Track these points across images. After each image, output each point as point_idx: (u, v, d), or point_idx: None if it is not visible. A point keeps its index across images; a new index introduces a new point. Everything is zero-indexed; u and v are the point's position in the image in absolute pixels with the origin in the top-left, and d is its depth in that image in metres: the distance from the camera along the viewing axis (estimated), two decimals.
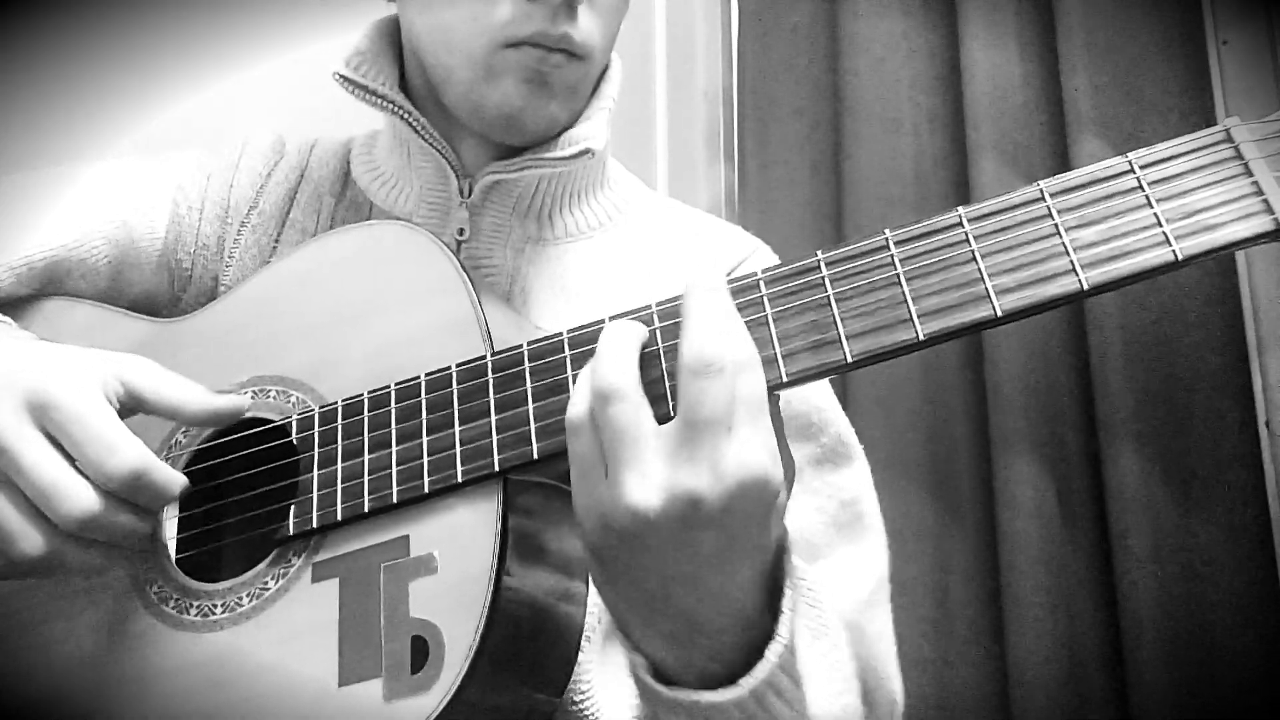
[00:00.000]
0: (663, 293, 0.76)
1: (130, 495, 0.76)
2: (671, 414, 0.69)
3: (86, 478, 0.75)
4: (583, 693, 0.91)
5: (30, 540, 0.75)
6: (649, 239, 1.10)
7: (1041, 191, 0.67)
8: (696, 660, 0.72)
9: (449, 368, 0.79)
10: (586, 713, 0.91)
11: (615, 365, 0.68)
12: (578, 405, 0.69)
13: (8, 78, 1.44)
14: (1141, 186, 0.66)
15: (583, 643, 0.90)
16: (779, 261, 1.13)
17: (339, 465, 0.80)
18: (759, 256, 1.12)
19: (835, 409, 1.06)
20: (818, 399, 1.04)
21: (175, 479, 0.78)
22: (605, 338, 0.70)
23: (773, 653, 0.71)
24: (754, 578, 0.70)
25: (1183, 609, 1.46)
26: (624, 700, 0.94)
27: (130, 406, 0.80)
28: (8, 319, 0.96)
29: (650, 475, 0.65)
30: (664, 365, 0.71)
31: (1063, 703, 1.50)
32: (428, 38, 1.00)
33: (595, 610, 0.91)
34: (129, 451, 0.75)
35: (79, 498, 0.74)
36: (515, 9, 0.94)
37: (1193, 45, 1.67)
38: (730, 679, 0.71)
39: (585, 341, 0.75)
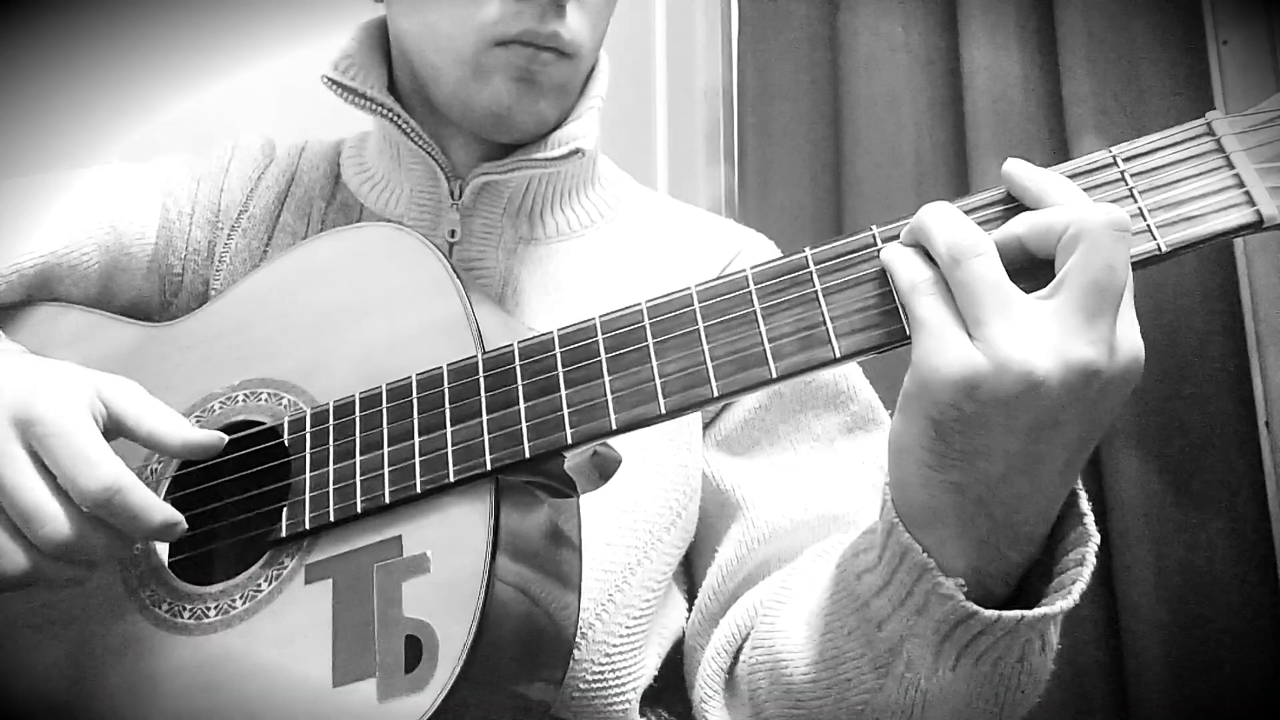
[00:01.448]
0: (654, 289, 0.76)
1: (106, 514, 0.75)
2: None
3: (68, 497, 0.75)
4: (582, 690, 0.91)
5: (10, 559, 0.75)
6: (640, 236, 1.10)
7: None
8: (991, 578, 0.69)
9: (440, 368, 0.79)
10: (595, 699, 0.91)
11: (962, 223, 0.64)
12: (912, 270, 0.65)
13: (1, 83, 1.44)
14: (1125, 179, 0.67)
15: (583, 640, 0.91)
16: (776, 251, 1.14)
17: (331, 466, 0.80)
18: (753, 249, 1.12)
19: (860, 376, 1.06)
20: (843, 368, 1.01)
21: (153, 504, 0.76)
22: (929, 211, 0.66)
23: (1089, 563, 0.68)
24: (1071, 480, 0.68)
25: (1183, 609, 1.45)
26: (640, 679, 0.94)
27: (112, 430, 0.79)
28: None
29: (1043, 339, 0.61)
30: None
31: (1063, 703, 1.50)
32: (415, 38, 1.00)
33: (591, 607, 0.91)
34: (104, 469, 0.74)
35: (58, 523, 0.74)
36: (504, 7, 0.94)
37: (1193, 45, 1.66)
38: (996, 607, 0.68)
39: (575, 340, 0.76)
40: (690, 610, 1.02)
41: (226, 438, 0.83)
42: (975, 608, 0.67)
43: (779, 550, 0.94)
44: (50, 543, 0.74)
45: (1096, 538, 0.68)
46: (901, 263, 0.66)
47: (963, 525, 0.68)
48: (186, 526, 0.78)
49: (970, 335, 0.63)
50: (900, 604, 0.71)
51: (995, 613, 0.67)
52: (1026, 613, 0.67)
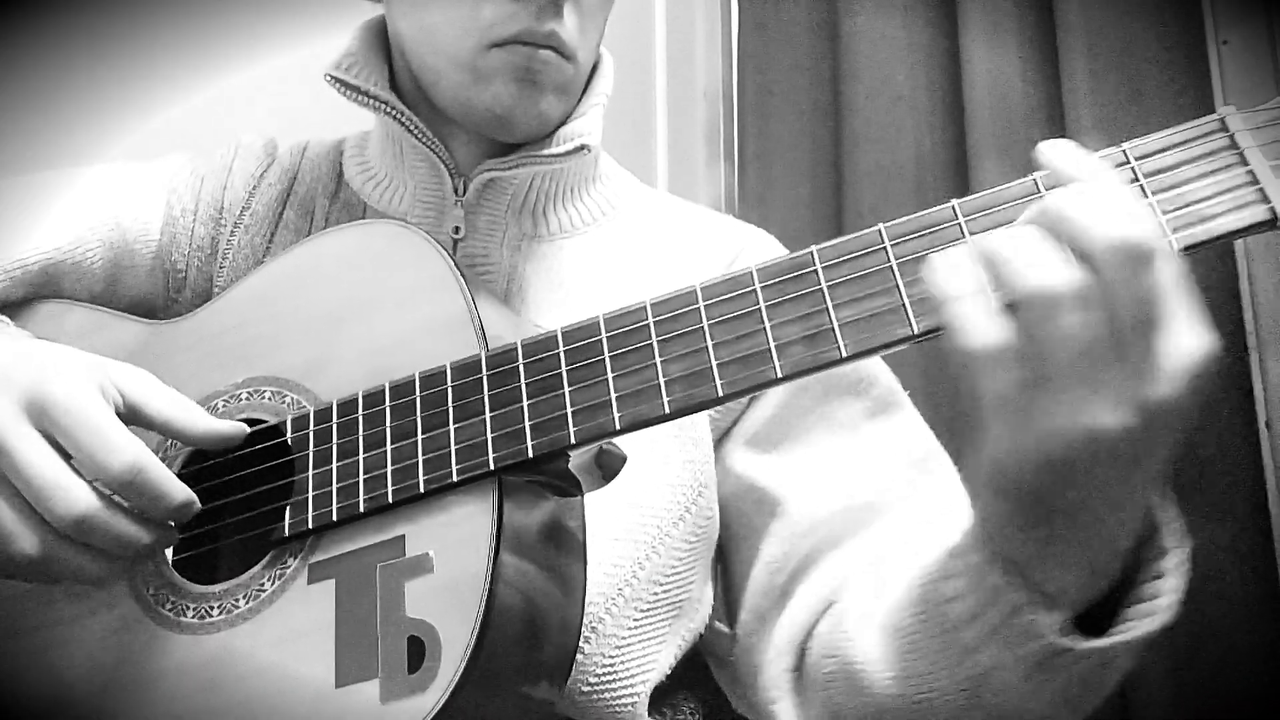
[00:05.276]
0: (658, 285, 0.75)
1: (128, 495, 0.75)
2: None
3: (84, 478, 0.75)
4: (591, 684, 0.90)
5: (25, 539, 0.74)
6: (643, 233, 1.10)
7: (1036, 184, 0.67)
8: (1082, 601, 0.68)
9: (443, 367, 0.79)
10: (605, 693, 0.91)
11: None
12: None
13: (2, 82, 1.44)
14: (1137, 177, 0.65)
15: (592, 634, 0.91)
16: (780, 247, 1.14)
17: (334, 465, 0.80)
18: (756, 246, 1.12)
19: (879, 361, 1.05)
20: None
21: (173, 483, 0.77)
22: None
23: (1177, 573, 0.68)
24: (1166, 479, 0.67)
25: (1183, 609, 1.45)
26: (650, 673, 0.94)
27: (126, 416, 0.79)
28: (5, 318, 0.97)
29: (1105, 390, 0.59)
30: None
31: None
32: (414, 40, 1.01)
33: (600, 601, 0.91)
34: (129, 450, 0.74)
35: (75, 497, 0.74)
36: (500, 9, 0.94)
37: (1193, 45, 1.66)
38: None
39: (579, 338, 0.75)
40: (712, 609, 1.02)
41: (248, 429, 0.83)
42: (1070, 644, 0.67)
43: (820, 541, 0.94)
44: (67, 517, 0.73)
45: (1181, 548, 0.68)
46: (971, 318, 0.60)
47: (1071, 557, 0.67)
48: (200, 506, 0.78)
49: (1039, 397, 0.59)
50: (991, 634, 0.70)
51: (1091, 645, 0.67)
52: (1123, 638, 0.67)
